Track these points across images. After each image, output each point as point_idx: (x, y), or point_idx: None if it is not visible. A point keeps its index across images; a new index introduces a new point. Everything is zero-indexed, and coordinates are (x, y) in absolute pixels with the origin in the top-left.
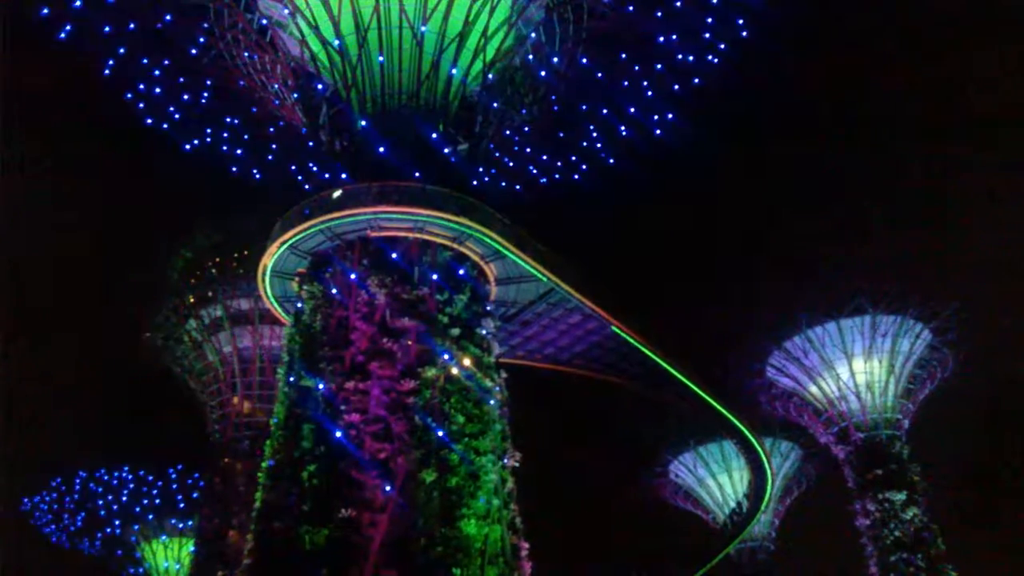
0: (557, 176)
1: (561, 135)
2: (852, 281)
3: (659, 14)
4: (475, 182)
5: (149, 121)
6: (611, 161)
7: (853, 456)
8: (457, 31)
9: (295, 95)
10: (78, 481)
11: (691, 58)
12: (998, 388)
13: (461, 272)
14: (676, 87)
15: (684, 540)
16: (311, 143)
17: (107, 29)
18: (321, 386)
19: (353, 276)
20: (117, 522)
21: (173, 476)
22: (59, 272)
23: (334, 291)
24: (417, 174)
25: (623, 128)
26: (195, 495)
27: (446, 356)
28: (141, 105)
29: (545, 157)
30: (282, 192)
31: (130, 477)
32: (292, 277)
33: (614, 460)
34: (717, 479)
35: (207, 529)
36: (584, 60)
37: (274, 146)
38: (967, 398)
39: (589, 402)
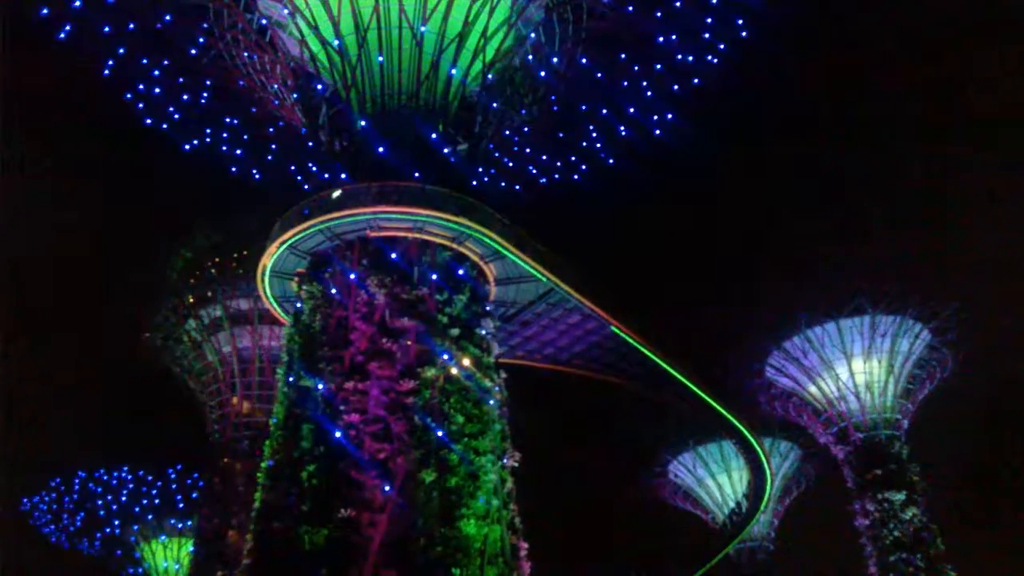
0: (557, 176)
1: (561, 135)
2: (852, 281)
3: (659, 14)
4: (475, 182)
5: (149, 121)
6: (611, 161)
7: (852, 456)
8: (457, 31)
9: (295, 95)
10: (77, 481)
11: (691, 58)
12: (998, 388)
13: (460, 272)
14: (676, 87)
15: (683, 540)
16: (311, 143)
17: (107, 29)
18: (320, 386)
19: (352, 276)
20: (116, 522)
21: (172, 476)
22: (59, 272)
23: (333, 291)
24: (417, 174)
25: (623, 128)
26: (194, 495)
27: (445, 356)
28: (141, 105)
29: (545, 157)
30: (282, 192)
31: (129, 477)
32: (291, 277)
33: (614, 460)
34: (716, 479)
35: (206, 529)
36: (584, 60)
37: (274, 146)
38: (967, 398)
39: (589, 402)
